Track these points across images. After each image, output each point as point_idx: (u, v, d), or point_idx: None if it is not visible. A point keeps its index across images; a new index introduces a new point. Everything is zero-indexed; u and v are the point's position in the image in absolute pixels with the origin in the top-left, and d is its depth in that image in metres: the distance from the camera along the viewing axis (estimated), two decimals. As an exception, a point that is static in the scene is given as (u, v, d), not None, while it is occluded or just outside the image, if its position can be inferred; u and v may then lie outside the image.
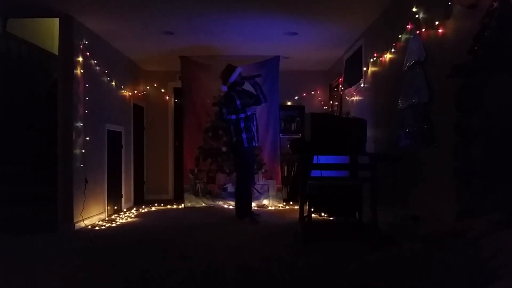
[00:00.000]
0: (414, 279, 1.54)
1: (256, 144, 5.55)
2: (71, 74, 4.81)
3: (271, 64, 6.62)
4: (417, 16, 3.54)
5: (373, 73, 4.92)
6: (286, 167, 7.30)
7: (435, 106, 3.20)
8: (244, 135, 5.33)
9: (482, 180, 2.29)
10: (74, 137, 4.81)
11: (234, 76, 5.43)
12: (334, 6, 4.46)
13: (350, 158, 4.75)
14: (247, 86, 5.58)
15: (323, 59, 6.84)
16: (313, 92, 7.61)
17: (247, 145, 5.36)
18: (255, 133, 5.48)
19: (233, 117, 5.30)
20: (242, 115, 5.32)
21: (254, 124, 5.52)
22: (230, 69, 5.48)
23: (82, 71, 4.98)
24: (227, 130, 5.48)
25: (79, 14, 4.75)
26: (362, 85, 5.32)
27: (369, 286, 1.71)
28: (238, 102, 5.34)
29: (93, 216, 5.20)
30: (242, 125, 5.33)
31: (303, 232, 4.41)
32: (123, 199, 6.34)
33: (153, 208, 6.47)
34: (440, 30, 3.14)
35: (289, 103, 7.58)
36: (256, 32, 5.44)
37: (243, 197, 5.47)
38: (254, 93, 5.52)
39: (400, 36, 3.96)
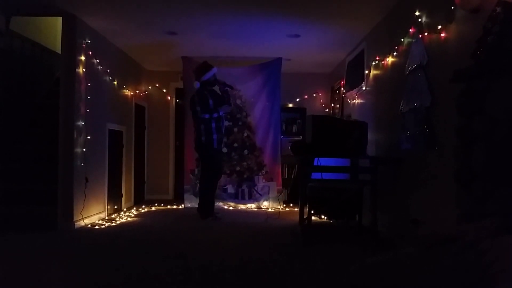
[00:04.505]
0: (413, 283, 1.54)
1: (225, 150, 5.58)
2: (73, 73, 4.82)
3: (273, 66, 6.63)
4: (419, 20, 3.54)
5: (375, 76, 4.93)
6: (286, 169, 7.30)
7: (437, 110, 3.20)
8: (214, 136, 5.37)
9: (483, 184, 2.29)
10: (75, 135, 4.81)
11: (208, 75, 5.48)
12: (337, 9, 4.47)
13: (350, 161, 4.75)
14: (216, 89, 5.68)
15: (325, 61, 6.84)
16: (314, 94, 7.61)
17: (216, 146, 5.38)
18: (223, 135, 5.56)
19: (206, 116, 5.34)
20: (215, 115, 5.37)
21: (224, 125, 5.57)
22: (206, 66, 5.53)
23: (84, 70, 4.98)
24: (197, 129, 5.48)
25: (82, 13, 4.76)
26: (364, 88, 5.32)
27: (367, 289, 1.71)
28: (211, 101, 5.39)
29: (93, 215, 5.20)
30: (214, 125, 5.36)
31: (302, 234, 4.41)
32: (123, 199, 6.34)
33: (153, 208, 6.47)
34: (442, 34, 3.14)
35: (290, 105, 7.58)
36: (259, 33, 5.45)
37: (206, 198, 5.49)
38: (222, 96, 5.59)
39: (402, 39, 3.96)
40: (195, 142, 5.62)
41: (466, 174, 2.45)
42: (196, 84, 5.55)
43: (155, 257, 3.59)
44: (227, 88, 5.67)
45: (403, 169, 3.89)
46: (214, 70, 5.54)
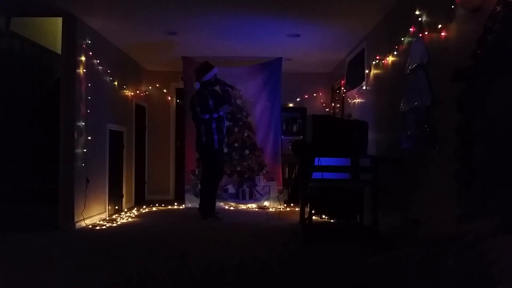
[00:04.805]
0: (413, 283, 1.53)
1: (226, 150, 5.58)
2: (74, 73, 4.82)
3: (273, 65, 6.63)
4: (420, 19, 3.53)
5: (375, 75, 4.92)
6: (287, 168, 7.29)
7: (437, 109, 3.19)
8: (215, 136, 5.34)
9: (483, 183, 2.28)
10: (76, 136, 4.81)
11: (209, 75, 5.46)
12: (337, 8, 4.46)
13: (351, 161, 4.75)
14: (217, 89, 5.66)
15: (325, 61, 6.84)
16: (315, 94, 7.61)
17: (217, 147, 5.36)
18: (225, 135, 5.53)
19: (206, 116, 5.32)
20: (215, 115, 5.35)
21: (225, 125, 5.55)
22: (207, 66, 5.50)
23: (84, 70, 4.99)
24: (198, 129, 5.48)
25: (82, 14, 4.76)
26: (364, 88, 5.32)
27: (368, 289, 1.71)
28: (211, 102, 5.37)
29: (94, 215, 5.20)
30: (214, 125, 5.34)
31: (303, 234, 4.41)
32: (124, 199, 6.34)
33: (154, 209, 6.47)
34: (442, 34, 3.14)
35: (291, 105, 7.58)
36: (259, 33, 5.44)
37: (207, 198, 5.49)
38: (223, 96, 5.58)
39: (402, 39, 3.96)
40: (196, 143, 5.61)
41: (466, 174, 2.44)
42: (196, 85, 5.52)
43: (156, 257, 3.59)
44: (227, 88, 5.66)
45: (404, 168, 3.89)
46: (215, 70, 5.51)
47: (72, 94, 4.81)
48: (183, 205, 6.62)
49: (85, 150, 4.97)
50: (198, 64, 5.87)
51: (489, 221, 1.66)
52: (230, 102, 5.70)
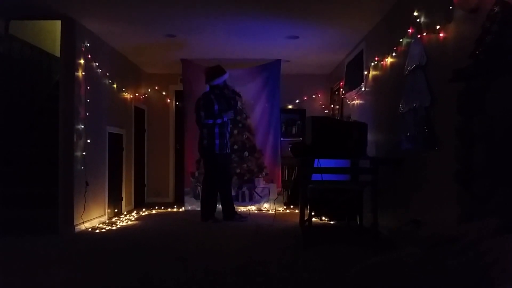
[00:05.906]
0: (414, 284, 1.53)
1: (228, 151, 5.59)
2: (73, 76, 4.82)
3: (272, 67, 6.63)
4: (418, 20, 3.54)
5: (374, 77, 4.93)
6: (287, 170, 7.29)
7: (436, 110, 3.19)
8: (217, 141, 5.34)
9: (483, 184, 2.28)
10: (75, 139, 4.81)
11: (220, 80, 5.45)
12: (335, 10, 4.47)
13: (351, 162, 4.75)
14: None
15: (324, 62, 6.84)
16: (314, 96, 7.62)
17: (218, 151, 5.35)
18: (228, 140, 5.52)
19: (210, 121, 5.32)
20: (219, 121, 5.35)
21: (228, 130, 5.56)
22: (219, 71, 5.49)
23: (83, 73, 4.99)
24: (200, 132, 5.48)
25: (81, 17, 4.76)
26: (363, 89, 5.33)
27: (369, 290, 1.71)
28: (216, 107, 5.37)
29: (94, 218, 5.19)
30: (217, 130, 5.34)
31: (303, 235, 4.40)
32: (123, 202, 6.34)
33: (154, 211, 6.47)
34: (441, 34, 3.15)
35: (290, 107, 7.59)
36: (258, 35, 5.45)
37: (207, 200, 5.49)
38: (230, 101, 5.57)
39: (401, 40, 3.97)
40: (198, 145, 5.61)
41: (466, 174, 2.45)
42: (207, 87, 5.53)
43: (156, 260, 3.58)
44: (235, 95, 5.67)
45: (404, 169, 3.89)
46: (226, 75, 5.50)
47: (71, 97, 4.81)
48: (183, 208, 6.61)
49: (84, 153, 4.97)
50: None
51: (489, 221, 1.66)
52: (236, 110, 5.72)
